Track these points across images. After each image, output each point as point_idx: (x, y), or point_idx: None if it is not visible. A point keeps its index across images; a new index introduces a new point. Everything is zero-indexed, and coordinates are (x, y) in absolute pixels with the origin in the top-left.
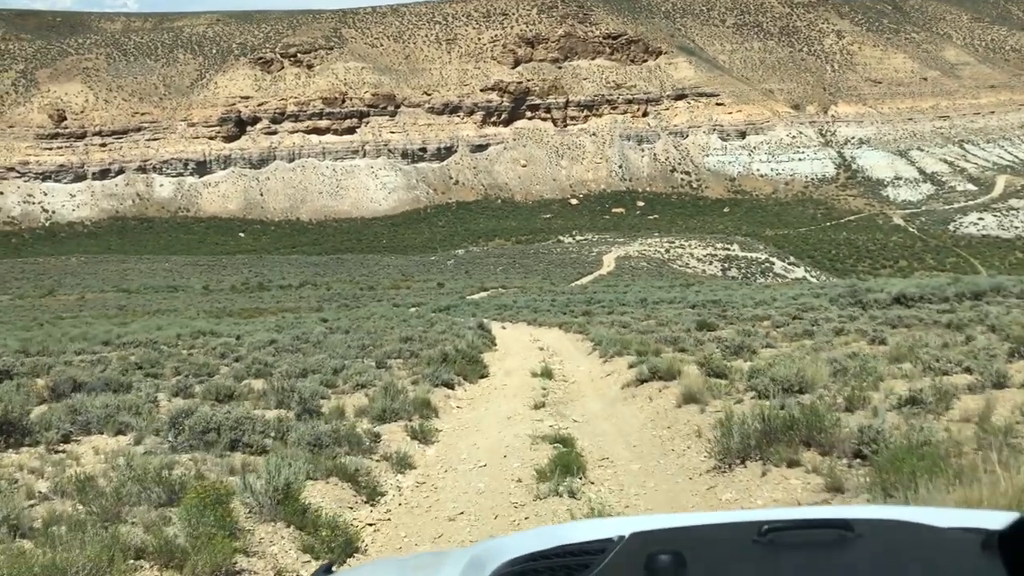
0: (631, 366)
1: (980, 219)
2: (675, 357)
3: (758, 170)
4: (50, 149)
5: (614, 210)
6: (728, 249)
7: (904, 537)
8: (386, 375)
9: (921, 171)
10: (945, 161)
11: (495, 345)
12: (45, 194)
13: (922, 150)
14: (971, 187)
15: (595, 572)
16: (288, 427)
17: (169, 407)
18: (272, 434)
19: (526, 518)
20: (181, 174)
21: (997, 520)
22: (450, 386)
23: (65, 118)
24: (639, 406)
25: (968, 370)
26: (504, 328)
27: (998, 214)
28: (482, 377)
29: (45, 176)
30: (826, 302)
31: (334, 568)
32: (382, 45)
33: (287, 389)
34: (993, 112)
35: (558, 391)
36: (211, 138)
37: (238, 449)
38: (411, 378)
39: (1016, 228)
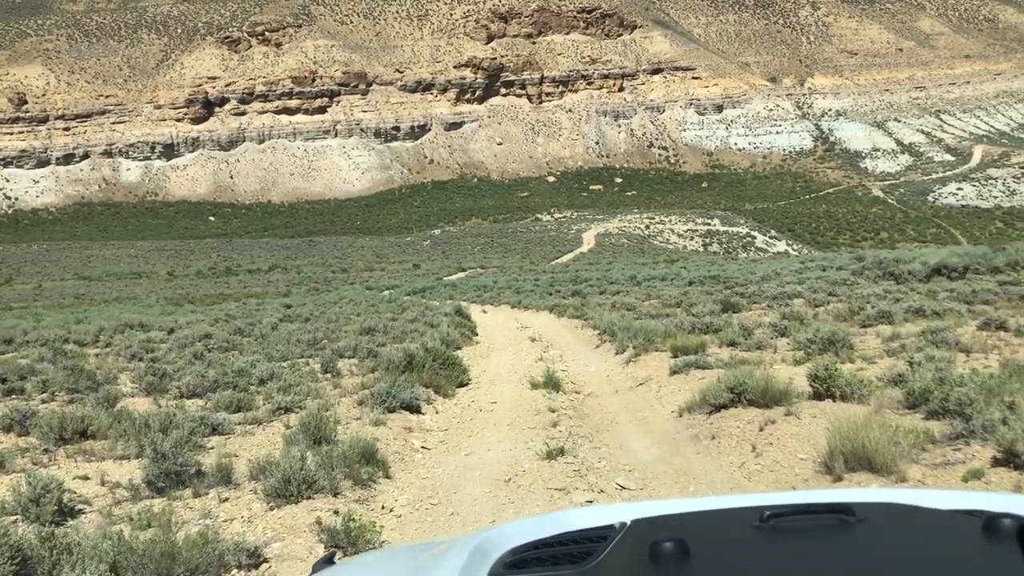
0: (674, 371)
1: (959, 189)
2: (745, 358)
3: (736, 144)
4: (11, 134)
5: (592, 187)
6: (708, 224)
7: (905, 520)
8: (327, 387)
9: (899, 142)
10: (922, 132)
11: (476, 335)
12: (7, 180)
13: (899, 121)
14: (949, 157)
15: (599, 559)
16: (61, 547)
17: None
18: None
19: None
20: (148, 157)
21: (996, 502)
22: (414, 408)
23: (26, 102)
24: (738, 463)
25: None
26: (485, 312)
27: (976, 184)
28: (461, 386)
29: (6, 162)
30: (849, 275)
31: (336, 559)
32: (352, 22)
33: (148, 427)
34: (968, 82)
35: (571, 413)
36: (178, 120)
37: None
38: (359, 393)
39: (995, 198)
